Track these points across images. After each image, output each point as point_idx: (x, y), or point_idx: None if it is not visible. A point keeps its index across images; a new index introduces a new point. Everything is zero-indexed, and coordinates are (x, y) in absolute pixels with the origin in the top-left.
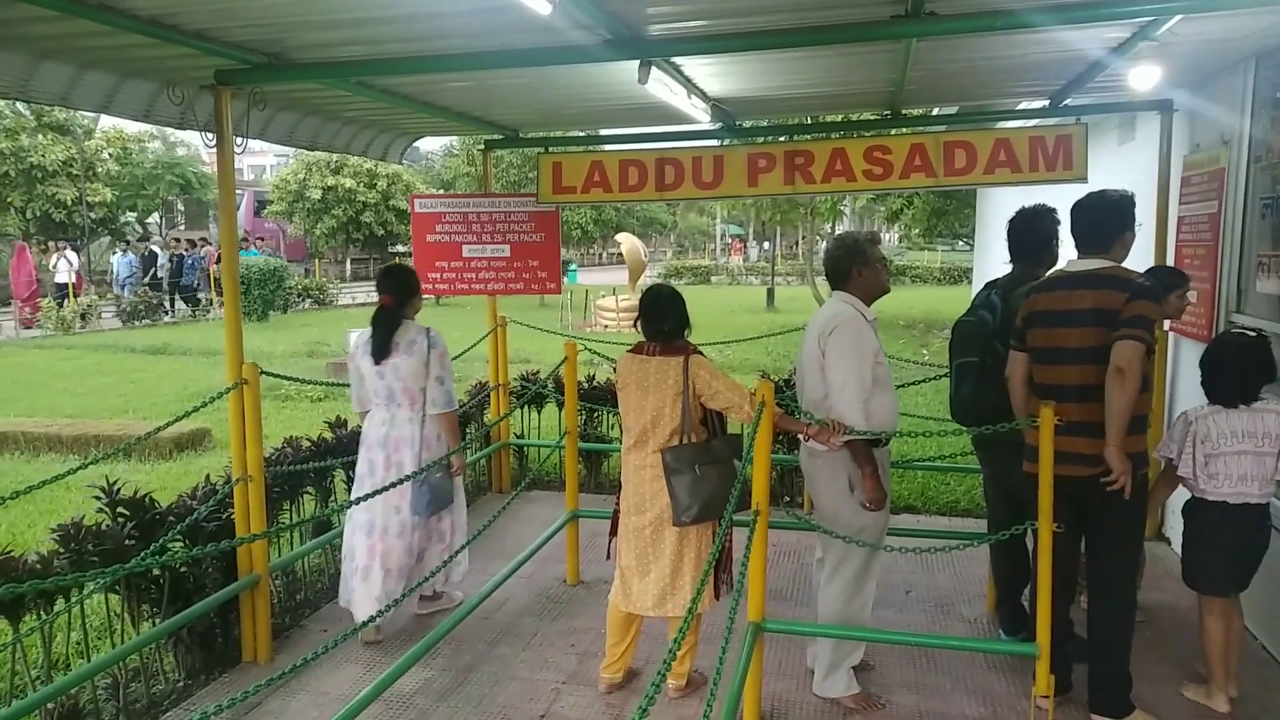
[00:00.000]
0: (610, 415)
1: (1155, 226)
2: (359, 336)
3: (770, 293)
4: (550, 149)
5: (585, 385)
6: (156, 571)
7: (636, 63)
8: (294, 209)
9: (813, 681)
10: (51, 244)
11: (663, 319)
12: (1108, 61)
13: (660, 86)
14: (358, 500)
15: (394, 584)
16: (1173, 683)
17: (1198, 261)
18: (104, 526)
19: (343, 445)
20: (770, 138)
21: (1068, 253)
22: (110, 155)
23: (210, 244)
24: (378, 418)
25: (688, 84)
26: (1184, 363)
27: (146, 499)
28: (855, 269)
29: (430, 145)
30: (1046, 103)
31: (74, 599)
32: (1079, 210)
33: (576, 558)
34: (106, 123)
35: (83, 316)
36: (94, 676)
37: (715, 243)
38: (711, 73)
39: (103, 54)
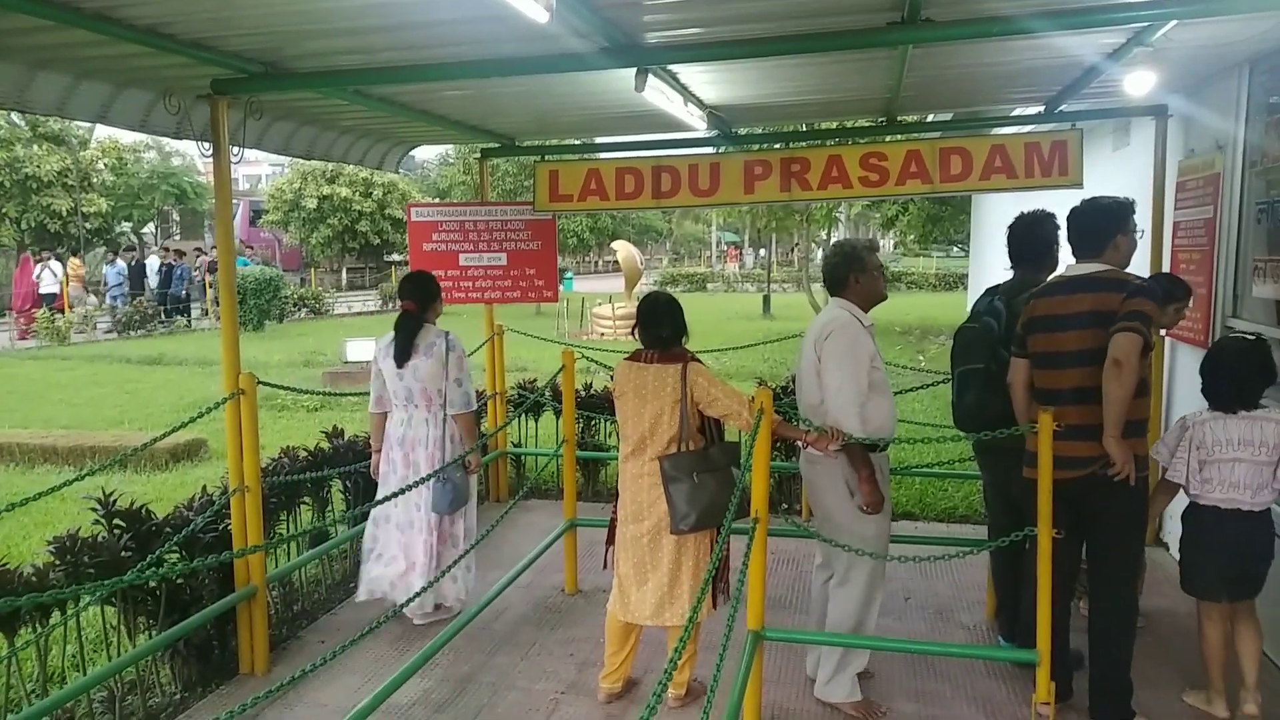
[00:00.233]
0: (608, 423)
1: (1151, 232)
2: (382, 340)
3: (766, 300)
4: (547, 157)
5: (583, 393)
6: (153, 583)
7: (633, 70)
8: (289, 218)
9: (815, 686)
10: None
11: (660, 326)
12: (1103, 67)
13: (657, 94)
14: (383, 499)
15: (415, 578)
16: (1173, 688)
17: (1193, 266)
18: (100, 538)
19: (340, 455)
20: (766, 145)
21: (1068, 258)
22: (105, 165)
23: (206, 253)
24: (397, 418)
25: (684, 91)
26: (1180, 368)
27: (143, 510)
28: (853, 276)
29: (426, 154)
30: (1042, 109)
31: (70, 612)
32: (1073, 216)
33: (575, 566)
34: (102, 133)
35: (84, 321)
36: (90, 690)
37: (711, 250)
38: (708, 80)
39: (99, 64)
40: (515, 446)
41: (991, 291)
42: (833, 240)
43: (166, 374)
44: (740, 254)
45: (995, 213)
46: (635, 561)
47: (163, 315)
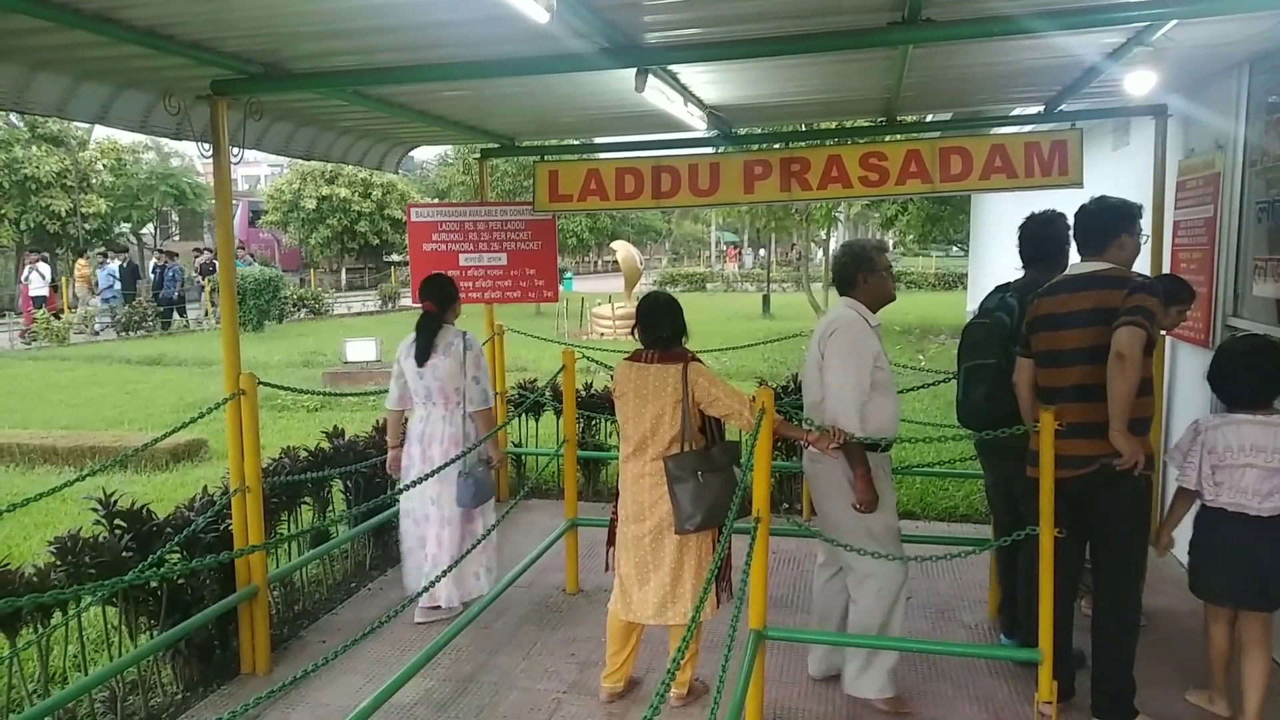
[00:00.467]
0: (608, 423)
1: (1151, 232)
2: (404, 340)
3: (766, 299)
4: (546, 157)
5: (583, 393)
6: (154, 583)
7: (634, 71)
8: (289, 219)
9: (843, 681)
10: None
11: (660, 326)
12: (1103, 67)
13: (657, 94)
14: (404, 488)
15: (429, 570)
16: (1174, 688)
17: (1194, 266)
18: (101, 539)
19: (340, 455)
20: (766, 145)
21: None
22: (104, 166)
23: (208, 252)
24: (417, 415)
25: (684, 92)
26: (1181, 367)
27: (144, 511)
28: (861, 276)
29: (425, 154)
30: (1042, 108)
31: (71, 612)
32: (1081, 214)
33: (576, 566)
34: (101, 134)
35: (84, 322)
36: (92, 690)
37: (710, 250)
38: (708, 80)
39: (99, 65)
40: (516, 446)
41: (1003, 289)
42: (832, 240)
43: (166, 374)
44: (740, 254)
45: (995, 212)
46: (637, 561)
47: (155, 316)
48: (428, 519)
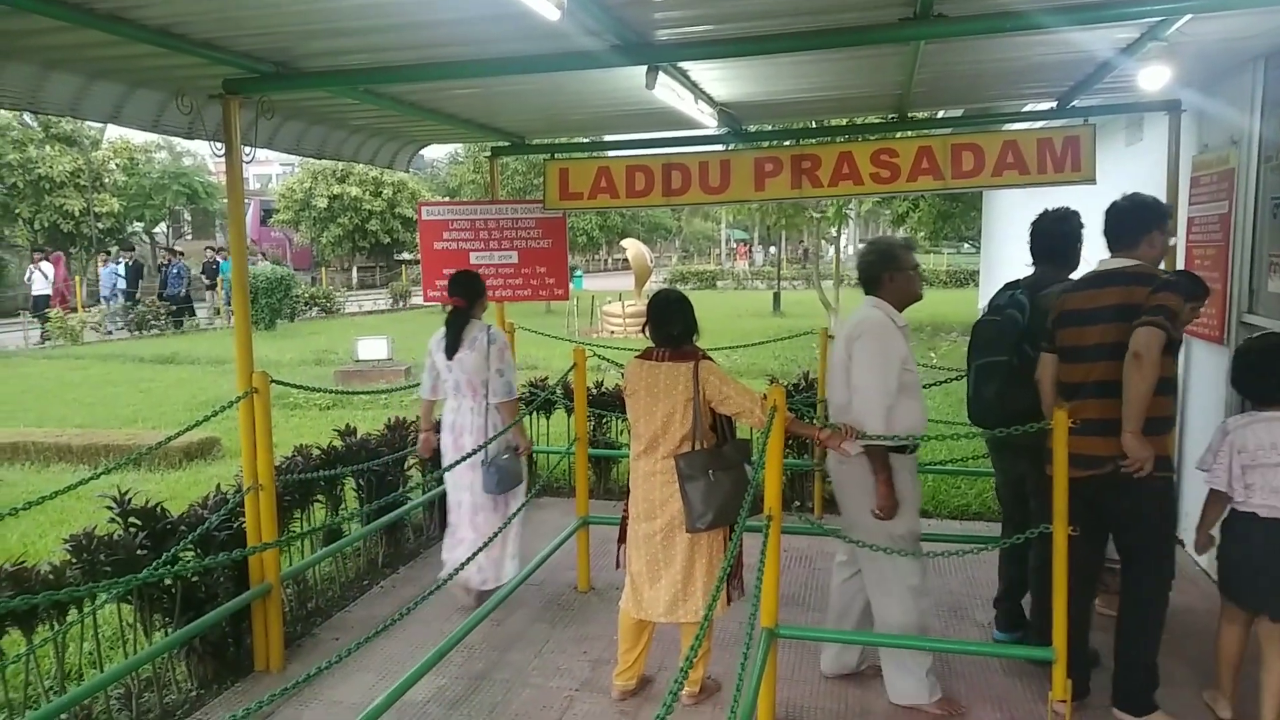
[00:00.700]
0: (619, 421)
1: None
2: (436, 334)
3: (776, 297)
4: (556, 155)
5: (594, 391)
6: (168, 581)
7: (644, 68)
8: (300, 217)
9: (887, 691)
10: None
11: (671, 324)
12: (1116, 62)
13: (667, 92)
14: (442, 472)
15: (464, 554)
16: (1190, 685)
17: (1208, 262)
18: (116, 536)
19: (352, 453)
20: (776, 142)
21: (1090, 255)
22: (117, 166)
23: (210, 250)
24: (449, 406)
25: (694, 89)
26: (1195, 364)
27: (158, 509)
28: (887, 275)
29: (435, 153)
30: (1054, 104)
31: (87, 609)
32: (1113, 209)
33: (587, 564)
34: (113, 133)
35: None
36: (107, 687)
37: (720, 248)
38: (718, 77)
39: (111, 64)
40: None
41: (1012, 286)
42: (843, 237)
43: (179, 373)
44: (750, 251)
45: (1006, 209)
46: (648, 559)
47: (166, 315)
48: (460, 505)
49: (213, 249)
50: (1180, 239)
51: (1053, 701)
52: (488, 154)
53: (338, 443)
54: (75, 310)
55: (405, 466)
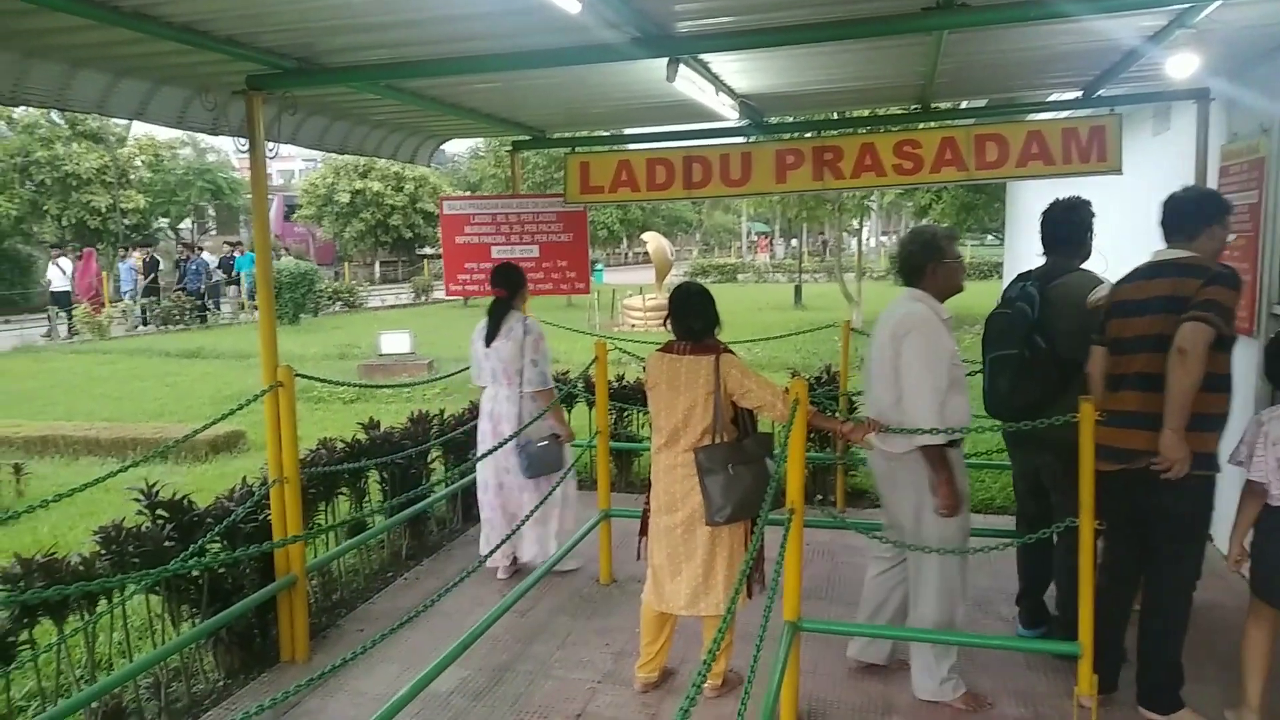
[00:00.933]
0: (640, 415)
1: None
2: (479, 324)
3: (798, 290)
4: (577, 149)
5: (614, 385)
6: (196, 573)
7: (665, 61)
8: (323, 213)
9: (913, 686)
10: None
11: (693, 317)
12: (1143, 50)
13: (688, 84)
14: (480, 458)
15: (523, 531)
16: (1219, 683)
17: (1238, 253)
18: (144, 528)
19: (376, 447)
20: (797, 134)
21: (1101, 245)
22: (142, 162)
23: (227, 245)
24: (488, 394)
25: (715, 81)
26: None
27: (185, 501)
28: (931, 265)
29: (456, 148)
30: (1079, 94)
31: (116, 600)
32: (1172, 199)
33: (609, 557)
34: (138, 130)
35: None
36: (136, 676)
37: (741, 240)
38: (739, 69)
39: (137, 61)
40: None
41: (1024, 277)
42: (864, 229)
43: (205, 367)
44: (771, 244)
45: (1030, 200)
46: (669, 552)
47: (190, 310)
48: (501, 488)
49: (230, 244)
50: None
51: (1079, 697)
52: (508, 148)
53: (361, 436)
54: (103, 306)
55: (429, 459)
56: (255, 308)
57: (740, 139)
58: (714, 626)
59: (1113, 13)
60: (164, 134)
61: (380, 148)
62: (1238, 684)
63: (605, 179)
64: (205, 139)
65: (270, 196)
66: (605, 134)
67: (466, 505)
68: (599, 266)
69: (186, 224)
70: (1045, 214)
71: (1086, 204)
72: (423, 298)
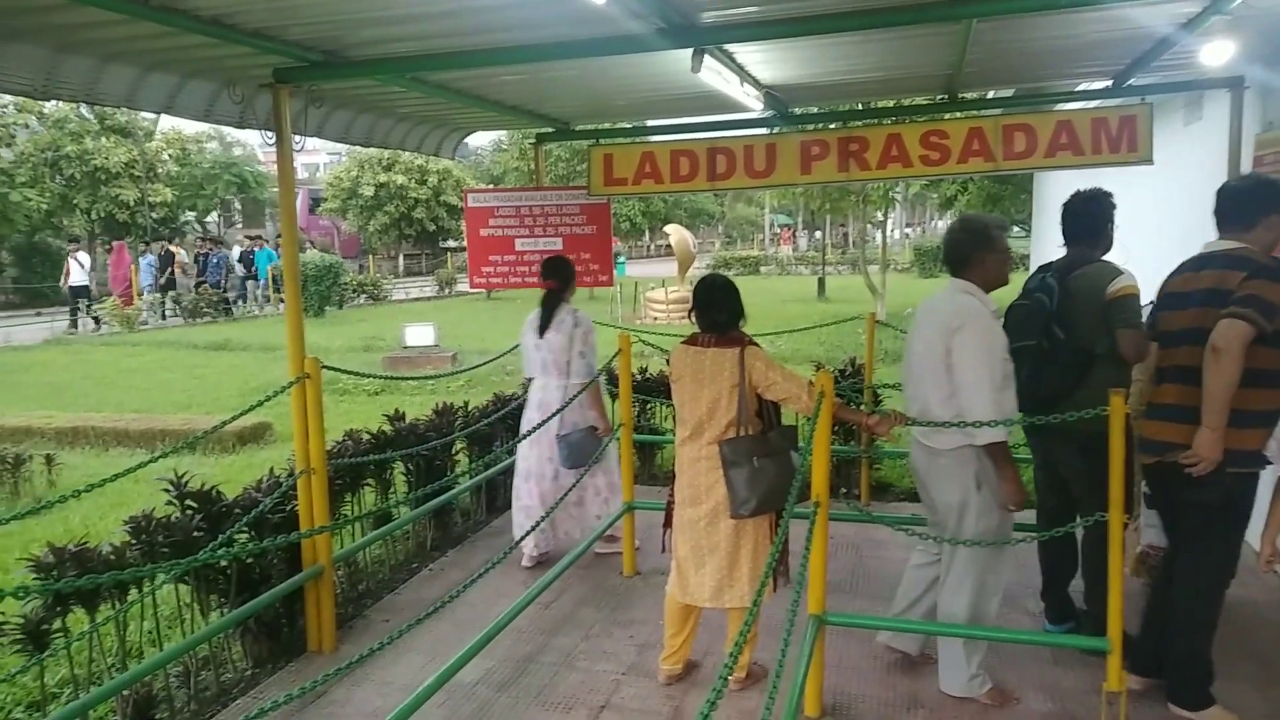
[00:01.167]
0: (663, 407)
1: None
2: (529, 316)
3: (821, 282)
4: (601, 141)
5: (638, 377)
6: (224, 563)
7: (689, 51)
8: (347, 206)
9: (940, 681)
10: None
11: (717, 310)
12: (1176, 38)
13: (713, 75)
14: (517, 440)
15: (554, 519)
16: (1251, 681)
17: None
18: (173, 519)
19: (402, 438)
20: (822, 125)
21: (1125, 236)
22: (170, 156)
23: (248, 239)
24: (537, 384)
25: (740, 71)
26: None
27: (214, 492)
28: (980, 255)
29: (479, 141)
30: (1109, 83)
31: (146, 590)
32: (1223, 190)
33: (633, 549)
34: (166, 124)
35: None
36: (166, 665)
37: (764, 233)
38: (764, 60)
39: (165, 55)
40: None
41: (1044, 269)
42: (889, 221)
43: (232, 359)
44: (794, 236)
45: (1057, 191)
46: (693, 544)
47: (217, 303)
48: (544, 477)
49: (250, 237)
50: None
51: (1107, 692)
52: (532, 141)
53: (387, 428)
54: (132, 299)
55: (453, 451)
56: (268, 300)
57: (763, 130)
58: (739, 619)
59: (1145, 1)
60: (191, 128)
61: (405, 140)
62: (1273, 682)
63: (629, 171)
64: (231, 133)
65: (295, 190)
66: (628, 126)
67: (491, 497)
68: (621, 259)
69: (213, 217)
70: (1066, 205)
71: (1107, 195)
72: (446, 290)
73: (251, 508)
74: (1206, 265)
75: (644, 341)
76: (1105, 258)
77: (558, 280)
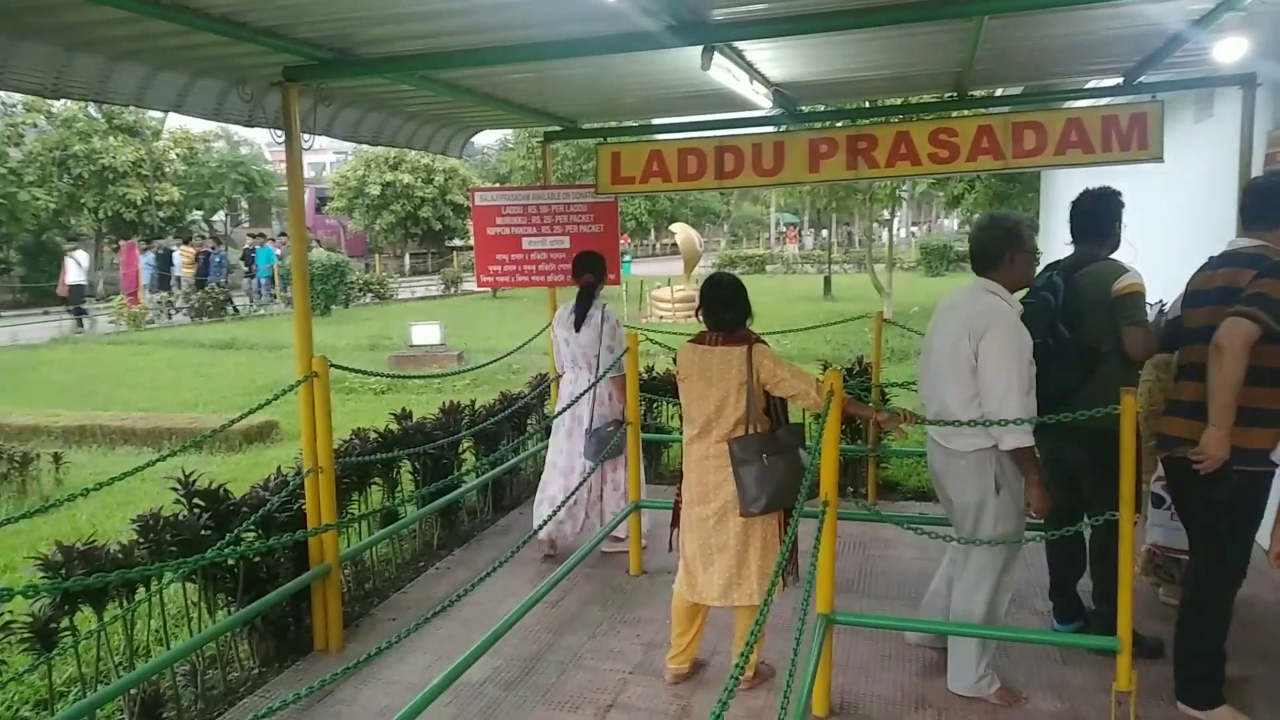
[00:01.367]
0: (670, 406)
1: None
2: (561, 311)
3: (827, 281)
4: (608, 139)
5: (644, 376)
6: (231, 561)
7: (698, 49)
8: (353, 205)
9: (949, 680)
10: (127, 243)
11: (724, 308)
12: (1189, 34)
13: (722, 72)
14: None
15: (578, 511)
16: (1261, 681)
17: None
18: (181, 517)
19: (409, 437)
20: (829, 123)
21: (1133, 235)
22: (177, 155)
23: (250, 238)
24: (567, 378)
25: (749, 69)
26: None
27: (221, 490)
28: (1010, 254)
29: (485, 140)
30: (1120, 80)
31: (154, 588)
32: (1248, 188)
33: (639, 548)
34: (173, 123)
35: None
36: (173, 663)
37: (770, 231)
38: (773, 57)
39: (175, 54)
40: None
41: (1051, 267)
42: (895, 220)
43: (238, 358)
44: (800, 235)
45: (1066, 190)
46: (701, 543)
47: (218, 302)
48: (573, 470)
49: (252, 235)
50: None
51: (1116, 691)
52: (538, 140)
53: (394, 426)
54: (138, 298)
55: (460, 450)
56: (274, 298)
57: (771, 128)
58: (746, 617)
59: None
60: (198, 127)
61: (414, 139)
62: None
63: (636, 169)
64: (239, 132)
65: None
66: (635, 125)
67: (497, 495)
68: (627, 258)
69: (220, 216)
70: (1074, 203)
71: (1116, 194)
72: (452, 289)
73: (259, 506)
74: (1225, 264)
75: (651, 340)
76: (1113, 256)
77: (593, 275)
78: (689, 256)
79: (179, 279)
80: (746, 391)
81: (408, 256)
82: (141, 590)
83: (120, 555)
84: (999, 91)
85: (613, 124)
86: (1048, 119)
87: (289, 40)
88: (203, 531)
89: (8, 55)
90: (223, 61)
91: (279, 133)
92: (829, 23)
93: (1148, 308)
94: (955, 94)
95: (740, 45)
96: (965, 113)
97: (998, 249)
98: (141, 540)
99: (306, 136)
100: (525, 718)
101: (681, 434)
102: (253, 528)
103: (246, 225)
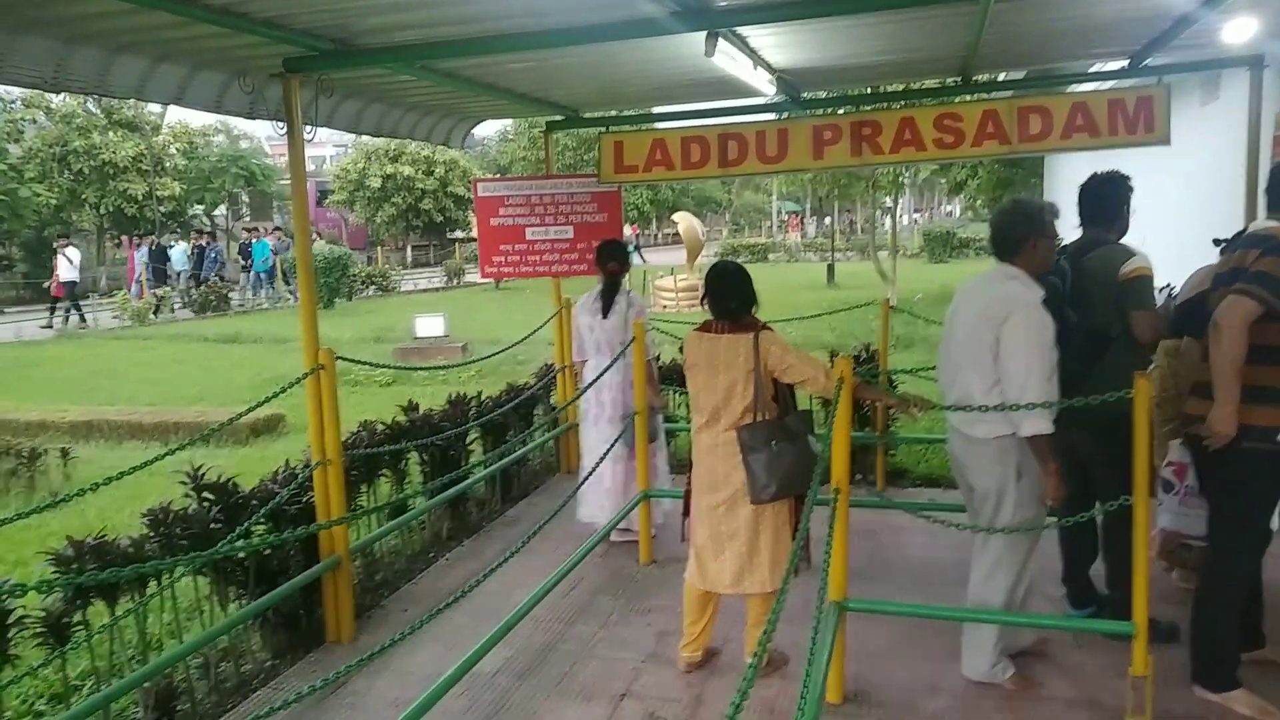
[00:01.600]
0: (675, 394)
1: (1245, 190)
2: (584, 299)
3: (830, 269)
4: (611, 128)
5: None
6: (242, 555)
7: (702, 35)
8: (355, 198)
9: (963, 666)
10: (128, 238)
11: (730, 296)
12: (1196, 16)
13: (726, 59)
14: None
15: (616, 497)
16: (1276, 664)
17: None
18: (191, 511)
19: (416, 428)
20: (833, 109)
21: (1138, 219)
22: (177, 150)
23: (245, 232)
24: (592, 365)
25: (753, 55)
26: None
27: (230, 484)
28: (1031, 240)
29: (485, 130)
30: (1125, 63)
31: (165, 582)
32: (1274, 170)
33: (649, 537)
34: (173, 118)
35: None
36: (186, 657)
37: (772, 220)
38: (777, 43)
39: (176, 46)
40: None
41: (1059, 251)
42: (899, 207)
43: (243, 351)
44: (802, 223)
45: (1070, 175)
46: (712, 531)
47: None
48: (618, 456)
49: (248, 229)
50: (1260, 202)
51: (1133, 677)
52: (540, 129)
53: (401, 418)
54: (144, 293)
55: (467, 441)
56: (272, 289)
57: (773, 116)
58: (758, 605)
59: None
60: (198, 121)
61: (415, 130)
62: None
63: (639, 158)
64: (239, 126)
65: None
66: (634, 113)
67: (505, 486)
68: (631, 247)
69: (221, 210)
70: (1083, 187)
71: (1125, 178)
72: (454, 281)
73: (268, 499)
74: (1238, 246)
75: (657, 329)
76: (1121, 240)
77: (618, 263)
78: (692, 245)
79: (179, 274)
80: (754, 379)
81: (409, 249)
82: (153, 584)
83: (131, 549)
84: (1002, 76)
85: (615, 113)
86: (1053, 103)
87: (289, 31)
88: (212, 525)
89: (7, 49)
90: (223, 53)
91: (281, 125)
92: (834, 7)
93: (1155, 292)
94: (960, 79)
95: (744, 31)
96: (970, 98)
97: (1019, 234)
98: (152, 534)
99: (308, 128)
100: (539, 708)
101: (690, 423)
102: (263, 521)
103: (248, 219)
